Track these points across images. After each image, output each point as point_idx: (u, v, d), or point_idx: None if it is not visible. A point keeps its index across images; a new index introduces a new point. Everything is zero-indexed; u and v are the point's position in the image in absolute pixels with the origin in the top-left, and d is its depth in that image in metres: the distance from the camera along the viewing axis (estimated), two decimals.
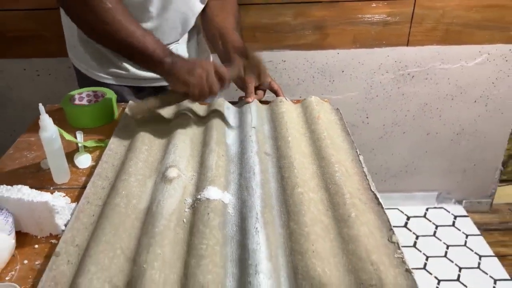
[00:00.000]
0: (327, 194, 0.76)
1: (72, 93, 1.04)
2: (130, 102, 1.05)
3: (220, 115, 1.01)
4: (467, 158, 1.88)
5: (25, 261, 0.66)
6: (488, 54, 1.65)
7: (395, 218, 1.90)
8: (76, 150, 0.91)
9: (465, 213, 1.96)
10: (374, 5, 1.54)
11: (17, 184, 0.71)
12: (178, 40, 1.15)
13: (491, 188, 1.96)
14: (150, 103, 0.96)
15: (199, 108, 1.07)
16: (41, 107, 0.77)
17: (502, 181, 2.03)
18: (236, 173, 0.83)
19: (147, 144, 0.91)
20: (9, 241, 0.65)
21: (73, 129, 0.98)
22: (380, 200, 0.75)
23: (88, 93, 1.05)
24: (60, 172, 0.82)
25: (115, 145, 0.92)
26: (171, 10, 1.06)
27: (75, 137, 0.93)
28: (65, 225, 0.71)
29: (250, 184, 0.77)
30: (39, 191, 0.70)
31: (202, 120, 1.02)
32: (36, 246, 0.68)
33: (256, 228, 0.67)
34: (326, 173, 0.81)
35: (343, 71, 1.66)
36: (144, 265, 0.61)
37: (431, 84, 1.71)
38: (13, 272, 0.64)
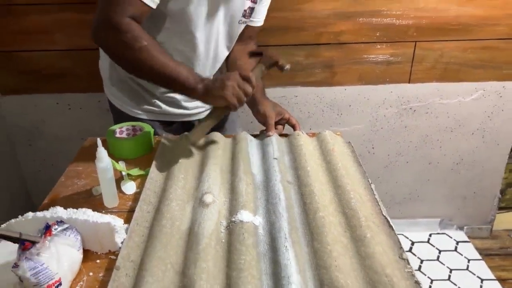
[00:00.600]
0: (344, 218, 0.88)
1: (113, 127, 1.18)
2: (165, 136, 1.18)
3: (245, 147, 1.14)
4: (467, 187, 2.00)
5: (91, 273, 0.77)
6: (483, 90, 1.79)
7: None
8: (121, 178, 1.03)
9: (466, 239, 2.06)
10: (378, 47, 1.70)
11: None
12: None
13: (491, 214, 2.07)
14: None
15: (226, 141, 1.21)
16: (99, 141, 0.90)
17: (501, 208, 2.14)
18: (263, 199, 0.95)
19: (183, 173, 1.03)
20: (79, 256, 0.77)
21: (115, 159, 1.10)
22: (391, 223, 0.86)
23: (128, 127, 1.18)
24: (111, 197, 0.94)
25: (155, 174, 1.05)
26: (205, 58, 1.21)
27: (121, 168, 1.05)
28: (121, 243, 0.82)
29: (277, 209, 0.89)
30: (100, 214, 0.83)
31: (229, 152, 1.15)
32: (98, 261, 0.80)
33: (286, 246, 0.79)
34: (343, 199, 0.93)
35: (350, 106, 1.81)
36: (194, 276, 0.73)
37: (432, 117, 1.85)
38: (81, 283, 0.75)
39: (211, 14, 1.13)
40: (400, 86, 1.78)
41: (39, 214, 0.82)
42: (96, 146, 0.90)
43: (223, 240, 0.83)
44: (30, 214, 0.82)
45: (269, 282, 0.74)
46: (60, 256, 0.73)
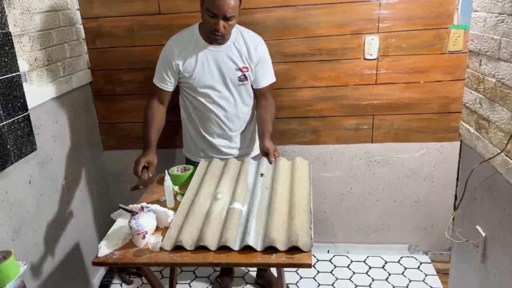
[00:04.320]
0: (288, 207, 1.66)
1: (172, 168, 2.06)
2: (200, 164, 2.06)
3: (246, 167, 1.96)
4: (425, 220, 2.67)
5: (159, 233, 1.62)
6: (427, 148, 2.53)
7: (376, 262, 2.69)
8: (175, 194, 1.90)
9: (429, 261, 2.69)
10: (348, 118, 2.52)
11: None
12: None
13: (448, 243, 2.70)
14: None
15: (237, 164, 2.02)
16: (166, 173, 1.78)
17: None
18: (249, 197, 1.76)
19: (208, 182, 1.87)
20: (154, 223, 1.63)
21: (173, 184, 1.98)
22: (312, 211, 1.64)
23: (181, 168, 2.06)
24: (170, 202, 1.81)
25: (193, 183, 1.89)
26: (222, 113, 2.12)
27: (175, 189, 1.92)
28: (170, 222, 1.67)
29: (254, 202, 1.70)
30: (163, 207, 1.69)
31: (237, 170, 1.97)
32: (161, 229, 1.65)
33: (252, 220, 1.59)
34: (292, 198, 1.71)
35: (331, 158, 2.60)
36: (206, 232, 1.55)
37: (391, 167, 2.59)
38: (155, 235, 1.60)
39: (212, 81, 2.06)
40: (366, 145, 2.57)
41: (136, 204, 1.69)
42: (162, 179, 1.79)
43: (223, 217, 1.65)
44: (131, 205, 1.70)
45: (240, 234, 1.54)
46: (147, 221, 1.59)
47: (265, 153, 2.04)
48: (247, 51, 2.06)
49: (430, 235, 2.71)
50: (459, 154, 2.55)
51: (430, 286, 2.49)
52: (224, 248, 1.49)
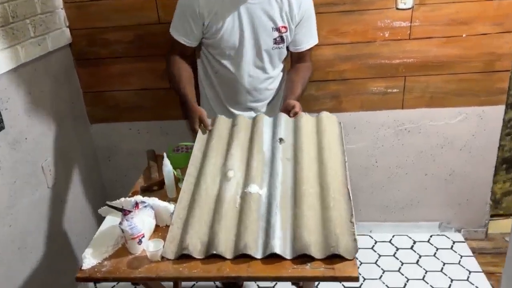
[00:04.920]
0: (320, 189, 1.31)
1: (170, 146, 1.71)
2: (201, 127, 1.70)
3: (261, 128, 1.56)
4: (460, 195, 2.36)
5: (160, 233, 1.29)
6: (466, 114, 2.18)
7: (403, 242, 2.40)
8: (178, 180, 1.56)
9: (462, 239, 2.41)
10: (375, 81, 2.15)
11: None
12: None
13: (484, 219, 2.41)
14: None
15: (247, 123, 1.62)
16: (165, 156, 1.43)
17: (497, 215, 2.48)
18: (267, 173, 1.40)
19: (214, 151, 1.49)
20: (153, 222, 1.29)
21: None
22: (351, 195, 1.29)
23: (183, 146, 1.71)
24: (171, 190, 1.46)
25: (196, 151, 1.51)
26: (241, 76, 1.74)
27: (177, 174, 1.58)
28: (173, 209, 1.33)
29: (275, 183, 1.34)
30: (162, 201, 1.35)
31: (248, 132, 1.58)
32: (162, 228, 1.32)
33: (275, 212, 1.25)
34: (322, 174, 1.36)
35: (355, 128, 2.26)
36: (218, 231, 1.22)
37: (424, 136, 2.25)
38: (154, 238, 1.27)
39: (241, 43, 1.66)
40: (395, 111, 2.21)
41: (128, 198, 1.35)
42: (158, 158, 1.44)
43: (237, 206, 1.30)
44: (123, 199, 1.36)
45: (262, 235, 1.21)
46: (144, 220, 1.25)
47: (286, 109, 1.67)
48: (289, 7, 1.65)
49: (465, 211, 2.40)
50: (503, 120, 2.22)
51: (467, 269, 2.21)
52: (243, 255, 1.17)
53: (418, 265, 2.26)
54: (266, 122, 1.62)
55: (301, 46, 1.77)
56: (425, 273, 2.20)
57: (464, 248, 2.35)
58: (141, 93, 2.26)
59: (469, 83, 2.12)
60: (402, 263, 2.27)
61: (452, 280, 2.14)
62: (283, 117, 1.62)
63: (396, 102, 2.20)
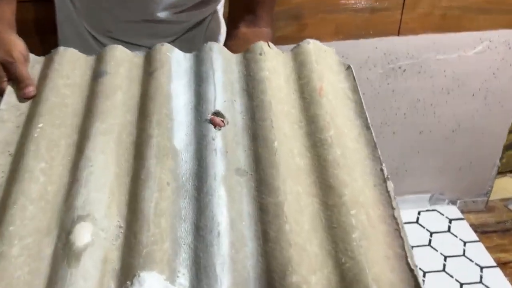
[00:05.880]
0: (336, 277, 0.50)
1: None
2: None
3: (165, 82, 0.65)
4: (463, 156, 1.69)
5: None
6: (490, 41, 1.43)
7: None
8: None
9: (460, 215, 1.78)
10: None
11: None
12: None
13: (488, 185, 1.79)
14: None
15: (137, 67, 0.69)
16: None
17: (496, 174, 1.87)
18: (190, 225, 0.52)
19: (45, 156, 0.56)
20: None
21: None
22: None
23: None
24: None
25: None
26: None
27: None
28: None
29: (212, 262, 0.49)
30: None
31: (136, 94, 0.66)
32: None
33: None
34: (336, 225, 0.52)
35: None
36: None
37: (425, 78, 1.48)
38: None
39: None
40: (386, 40, 1.39)
41: None
42: None
43: None
44: None
45: None
46: None
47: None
48: None
49: (465, 177, 1.75)
50: None
51: (477, 264, 1.59)
52: None
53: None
54: (176, 67, 0.69)
55: None
56: (423, 276, 1.55)
57: (464, 228, 1.72)
58: None
59: None
60: None
61: (461, 285, 1.52)
62: (221, 54, 0.70)
63: (390, 25, 1.38)
